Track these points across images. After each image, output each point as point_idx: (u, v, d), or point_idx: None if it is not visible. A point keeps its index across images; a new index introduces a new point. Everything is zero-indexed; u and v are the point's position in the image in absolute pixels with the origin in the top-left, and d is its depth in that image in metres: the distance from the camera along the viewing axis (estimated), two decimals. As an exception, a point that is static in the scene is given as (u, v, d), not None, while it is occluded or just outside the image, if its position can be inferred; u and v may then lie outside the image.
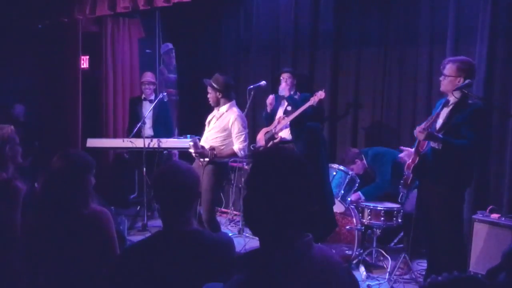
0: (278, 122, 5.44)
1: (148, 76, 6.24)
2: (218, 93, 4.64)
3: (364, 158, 5.13)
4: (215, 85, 4.63)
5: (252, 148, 6.13)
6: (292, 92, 5.56)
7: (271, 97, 5.61)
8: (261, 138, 5.65)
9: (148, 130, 6.14)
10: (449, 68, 3.68)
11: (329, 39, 5.98)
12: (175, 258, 2.01)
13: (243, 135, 4.58)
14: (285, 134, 5.45)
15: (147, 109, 6.04)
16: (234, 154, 4.60)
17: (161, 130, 6.13)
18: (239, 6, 6.76)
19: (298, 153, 1.56)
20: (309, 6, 6.08)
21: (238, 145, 4.55)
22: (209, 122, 4.76)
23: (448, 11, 5.01)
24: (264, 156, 1.54)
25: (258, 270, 1.41)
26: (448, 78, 3.68)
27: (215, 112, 4.75)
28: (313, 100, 5.15)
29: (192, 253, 2.03)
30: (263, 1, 6.50)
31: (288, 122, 5.33)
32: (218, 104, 4.69)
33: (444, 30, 5.07)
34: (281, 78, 5.62)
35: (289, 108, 5.45)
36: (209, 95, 4.70)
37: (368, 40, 5.73)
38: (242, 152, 4.57)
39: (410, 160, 3.81)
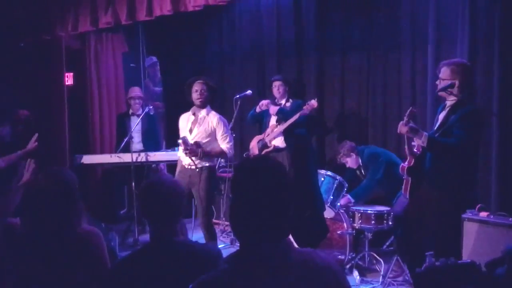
0: (272, 131, 5.45)
1: (136, 91, 6.22)
2: (210, 95, 4.65)
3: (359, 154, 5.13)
4: (210, 83, 4.66)
5: (245, 156, 6.14)
6: (284, 99, 5.58)
7: (265, 102, 5.61)
8: (254, 146, 5.66)
9: (137, 145, 6.12)
10: (444, 71, 3.67)
11: (313, 46, 6.04)
12: (163, 270, 2.03)
13: (229, 136, 4.64)
14: (278, 142, 5.46)
15: (135, 124, 6.02)
16: (223, 153, 4.63)
17: (150, 144, 6.11)
18: (221, 16, 6.79)
19: (279, 163, 1.62)
20: (292, 14, 6.14)
21: (225, 145, 4.59)
22: (190, 130, 4.69)
23: (428, 15, 5.07)
24: (245, 165, 1.63)
25: (239, 263, 1.50)
26: (444, 82, 3.66)
27: (189, 117, 4.71)
28: (306, 109, 5.18)
29: (180, 263, 2.05)
30: (245, 11, 6.54)
31: (281, 131, 5.35)
32: (205, 106, 4.67)
33: (425, 33, 5.14)
34: (273, 86, 5.64)
35: (281, 116, 5.48)
36: (200, 95, 4.61)
37: (351, 45, 5.80)
38: (230, 151, 4.63)
39: (406, 163, 3.82)
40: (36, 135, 4.87)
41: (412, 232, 3.87)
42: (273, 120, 5.60)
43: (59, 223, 2.39)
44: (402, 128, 3.62)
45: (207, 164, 4.59)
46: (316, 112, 5.84)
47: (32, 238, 2.41)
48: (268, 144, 5.47)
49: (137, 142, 6.15)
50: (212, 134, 4.61)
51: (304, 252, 1.54)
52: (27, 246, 2.40)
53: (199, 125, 4.65)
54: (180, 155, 4.70)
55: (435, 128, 3.75)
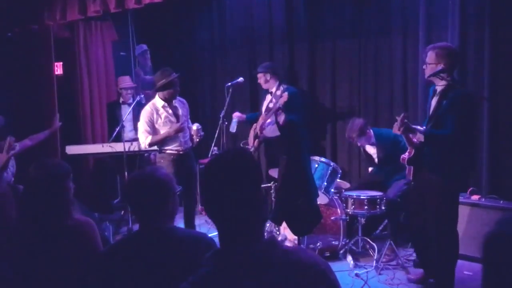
0: (261, 119, 5.45)
1: (128, 81, 6.18)
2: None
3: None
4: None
5: (242, 145, 6.13)
6: (274, 87, 5.57)
7: (235, 116, 5.80)
8: (251, 136, 5.68)
9: (129, 133, 6.09)
10: (429, 56, 3.69)
11: (304, 32, 6.02)
12: (151, 256, 2.04)
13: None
14: (271, 131, 5.44)
15: (125, 112, 5.98)
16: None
17: None
18: (212, 3, 6.74)
19: (247, 159, 1.55)
20: (282, 0, 6.09)
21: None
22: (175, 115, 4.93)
23: (419, 0, 5.07)
24: (215, 161, 1.57)
25: (220, 265, 1.45)
26: (430, 66, 3.68)
27: (165, 108, 4.91)
28: (279, 103, 5.19)
29: (168, 250, 2.05)
30: (236, -2, 6.49)
31: (272, 119, 5.34)
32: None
33: (416, 19, 5.15)
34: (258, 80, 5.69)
35: (270, 105, 5.47)
36: (177, 89, 4.91)
37: (342, 31, 5.80)
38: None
39: (406, 153, 3.84)
40: (57, 115, 5.23)
41: (415, 214, 3.92)
42: (264, 109, 5.61)
43: (50, 214, 2.39)
44: (396, 130, 3.65)
45: (190, 146, 5.07)
46: (308, 97, 5.86)
47: (25, 230, 2.42)
48: (258, 134, 5.47)
49: (129, 130, 6.12)
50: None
51: (290, 250, 1.49)
52: (21, 237, 2.41)
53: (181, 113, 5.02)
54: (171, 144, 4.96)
55: (429, 115, 3.77)
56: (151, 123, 4.81)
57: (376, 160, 5.13)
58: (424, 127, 3.69)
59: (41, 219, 2.39)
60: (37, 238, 2.37)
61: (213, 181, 1.50)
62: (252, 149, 5.59)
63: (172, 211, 2.20)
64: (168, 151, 4.87)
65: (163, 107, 4.83)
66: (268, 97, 5.63)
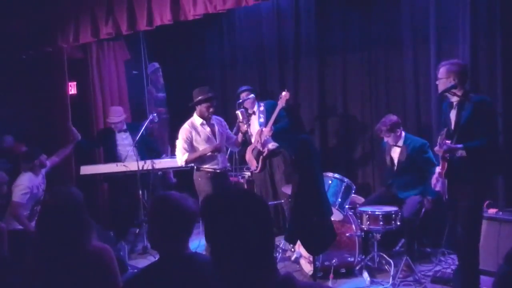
0: (259, 136, 5.45)
1: (115, 115, 6.09)
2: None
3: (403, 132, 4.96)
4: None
5: (245, 170, 6.11)
6: (256, 106, 5.71)
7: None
8: (250, 158, 5.63)
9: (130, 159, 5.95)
10: (441, 71, 3.82)
11: (313, 47, 6.04)
12: (175, 284, 2.04)
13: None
14: (271, 144, 5.48)
15: (122, 139, 6.00)
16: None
17: (145, 155, 6.02)
18: (221, 20, 6.79)
19: (244, 191, 1.56)
20: (291, 16, 6.14)
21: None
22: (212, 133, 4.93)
23: (429, 13, 5.07)
24: (210, 207, 1.51)
25: None
26: (441, 80, 3.81)
27: (204, 127, 4.89)
28: (281, 103, 5.23)
29: (190, 277, 2.05)
30: (246, 14, 6.54)
31: (270, 134, 5.37)
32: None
33: (426, 31, 5.14)
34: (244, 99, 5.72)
35: (261, 119, 5.52)
36: (213, 108, 4.89)
37: (352, 45, 5.79)
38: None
39: (440, 168, 3.83)
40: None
41: (453, 226, 3.99)
42: (255, 126, 5.63)
43: (69, 241, 2.39)
44: (438, 151, 3.74)
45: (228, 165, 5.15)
46: (318, 112, 5.88)
47: (43, 257, 2.42)
48: (262, 150, 5.46)
49: (130, 156, 5.92)
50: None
51: (308, 285, 1.51)
52: (40, 264, 2.41)
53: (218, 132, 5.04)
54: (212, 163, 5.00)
55: (452, 129, 3.78)
56: (189, 140, 4.83)
57: (395, 165, 4.98)
58: (449, 142, 3.69)
59: (58, 246, 2.39)
60: (55, 265, 2.37)
61: (213, 226, 1.47)
62: (257, 170, 5.55)
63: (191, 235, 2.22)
64: (206, 169, 4.87)
65: (201, 124, 4.86)
66: (253, 118, 5.72)
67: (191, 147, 4.82)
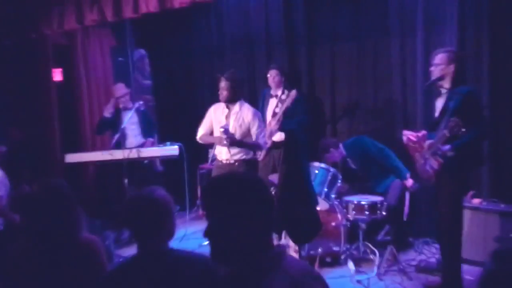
0: (269, 126, 5.41)
1: (120, 89, 6.06)
2: (236, 89, 4.63)
3: (341, 147, 5.12)
4: (234, 81, 4.62)
5: None
6: (280, 91, 5.55)
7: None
8: None
9: (134, 139, 6.03)
10: (440, 57, 3.79)
11: (302, 35, 6.01)
12: (152, 280, 2.03)
13: (263, 130, 4.74)
14: (277, 137, 5.43)
15: (128, 118, 5.94)
16: (258, 145, 4.69)
17: (150, 134, 6.01)
18: (209, 7, 6.72)
19: (247, 175, 1.62)
20: (280, 5, 6.10)
21: (261, 139, 4.68)
22: (225, 117, 4.70)
23: (417, 2, 5.06)
24: (213, 187, 1.58)
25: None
26: (439, 67, 3.78)
27: (223, 109, 4.71)
28: (288, 102, 5.17)
29: (167, 272, 2.05)
30: (234, 2, 6.48)
31: (276, 128, 5.34)
32: (234, 100, 4.66)
33: (414, 20, 5.14)
34: (268, 75, 5.60)
35: (277, 109, 5.45)
36: (221, 92, 4.63)
37: (340, 34, 5.78)
38: (265, 145, 4.80)
39: (437, 165, 3.77)
40: None
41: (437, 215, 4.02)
42: (269, 112, 5.58)
43: (60, 232, 2.37)
44: (435, 163, 3.75)
45: (243, 158, 4.66)
46: (306, 102, 5.86)
47: (33, 248, 2.39)
48: (267, 140, 5.44)
49: (134, 135, 6.00)
50: (246, 128, 4.63)
51: (296, 261, 1.59)
52: (28, 256, 2.38)
53: (232, 119, 4.66)
54: (217, 151, 4.77)
55: (436, 117, 3.81)
56: (209, 118, 4.81)
57: (358, 172, 5.15)
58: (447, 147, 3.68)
59: (47, 238, 2.36)
60: (43, 258, 2.35)
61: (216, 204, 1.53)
62: (260, 158, 5.53)
63: (170, 231, 2.19)
64: (216, 157, 4.82)
65: (223, 107, 4.73)
66: (272, 101, 5.60)
67: (208, 126, 4.79)
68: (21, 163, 5.94)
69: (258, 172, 5.03)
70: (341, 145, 5.12)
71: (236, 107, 4.66)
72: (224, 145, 4.58)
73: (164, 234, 2.17)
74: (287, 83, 5.64)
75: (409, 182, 4.66)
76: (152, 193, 2.15)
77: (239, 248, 1.51)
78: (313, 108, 6.05)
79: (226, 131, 4.51)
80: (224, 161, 4.69)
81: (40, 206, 2.38)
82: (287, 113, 5.31)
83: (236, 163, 4.64)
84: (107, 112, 5.88)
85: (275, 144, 5.43)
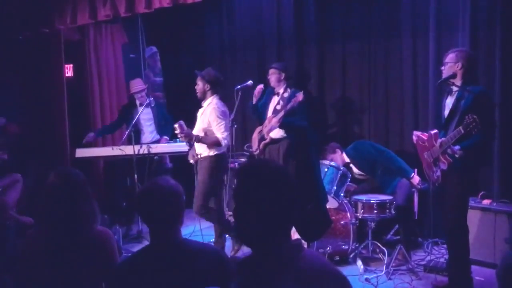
0: (269, 122, 5.44)
1: (137, 84, 6.08)
2: (206, 85, 4.78)
3: (344, 155, 5.13)
4: (205, 76, 4.76)
5: (246, 148, 6.16)
6: (282, 89, 5.54)
7: (258, 88, 5.58)
8: (255, 138, 5.70)
9: (149, 135, 6.08)
10: (450, 56, 3.84)
11: (313, 34, 6.01)
12: (166, 270, 2.05)
13: (223, 125, 4.70)
14: (275, 133, 5.46)
15: (143, 114, 5.97)
16: (217, 142, 4.71)
17: (167, 130, 6.00)
18: (221, 5, 6.74)
19: (279, 167, 1.63)
20: (291, 3, 6.09)
21: (219, 134, 4.69)
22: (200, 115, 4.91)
23: (429, 1, 5.04)
24: (248, 169, 1.64)
25: (249, 277, 1.55)
26: (448, 65, 3.83)
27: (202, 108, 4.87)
28: (293, 102, 5.18)
29: (181, 263, 2.06)
30: (245, 0, 6.48)
31: (277, 125, 5.35)
32: (204, 97, 4.83)
33: (426, 21, 5.12)
34: (269, 74, 5.62)
35: (278, 107, 5.46)
36: (197, 87, 4.82)
37: (352, 33, 5.77)
38: (224, 140, 4.71)
39: (445, 165, 3.77)
40: None
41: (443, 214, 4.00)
42: (270, 109, 5.60)
43: (76, 222, 2.37)
44: (443, 165, 3.78)
45: (205, 154, 4.77)
46: (311, 99, 5.87)
47: (47, 238, 2.39)
48: (265, 136, 5.48)
49: (149, 131, 6.08)
50: (207, 124, 4.76)
51: (313, 254, 1.59)
52: (41, 245, 2.39)
53: (201, 114, 4.84)
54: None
55: (446, 116, 3.82)
56: None
57: (363, 177, 5.17)
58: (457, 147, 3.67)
59: (63, 227, 2.36)
60: (57, 247, 2.35)
61: (244, 188, 1.58)
62: (257, 152, 5.60)
63: (182, 222, 2.20)
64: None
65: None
66: (274, 99, 5.62)
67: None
68: (19, 158, 6.00)
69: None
70: (343, 153, 5.12)
71: (205, 104, 4.82)
72: (182, 140, 4.80)
73: (178, 224, 2.17)
74: (289, 81, 5.65)
75: (416, 179, 4.65)
76: (166, 183, 2.16)
77: (260, 232, 1.54)
78: (322, 107, 6.06)
79: (180, 126, 4.66)
80: (196, 157, 4.86)
81: (58, 193, 2.38)
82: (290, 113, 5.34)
83: (202, 159, 4.77)
84: None
85: (273, 140, 5.49)
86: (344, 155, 5.11)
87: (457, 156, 3.65)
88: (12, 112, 6.44)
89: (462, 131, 3.49)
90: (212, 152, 4.76)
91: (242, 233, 1.60)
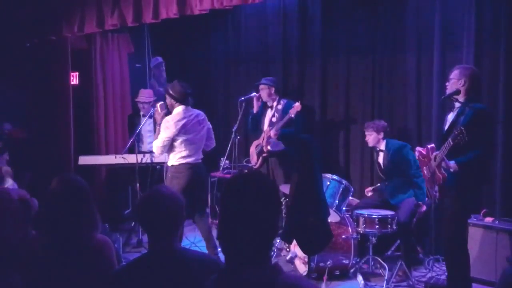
0: (266, 135, 5.46)
1: (145, 95, 6.15)
2: (173, 100, 4.79)
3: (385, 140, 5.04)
4: (171, 92, 4.77)
5: (245, 163, 6.15)
6: (275, 102, 5.62)
7: (257, 95, 5.68)
8: (253, 152, 5.70)
9: (148, 145, 6.10)
10: (454, 73, 3.89)
11: (318, 48, 6.03)
12: (162, 279, 2.04)
13: (159, 136, 4.71)
14: (274, 145, 5.47)
15: (146, 124, 6.01)
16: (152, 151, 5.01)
17: None
18: (227, 18, 6.80)
19: (267, 182, 1.62)
20: (297, 16, 6.15)
21: (152, 144, 4.85)
22: None
23: (434, 18, 5.07)
24: (234, 182, 1.62)
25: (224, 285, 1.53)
26: (452, 81, 3.87)
27: None
28: (291, 113, 5.22)
29: (178, 272, 2.05)
30: (251, 13, 6.55)
31: (275, 137, 5.37)
32: (172, 110, 4.83)
33: (430, 36, 5.14)
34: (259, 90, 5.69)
35: (274, 119, 5.50)
36: (167, 101, 4.84)
37: (356, 48, 5.79)
38: (152, 149, 4.87)
39: (441, 180, 3.80)
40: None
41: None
42: (266, 122, 5.64)
43: (76, 229, 2.36)
44: (439, 178, 3.78)
45: (168, 163, 4.89)
46: (313, 112, 5.90)
47: (47, 243, 2.38)
48: (264, 149, 5.49)
49: (148, 142, 6.12)
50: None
51: (291, 277, 1.52)
52: (40, 251, 2.38)
53: None
54: None
55: (446, 129, 3.85)
56: None
57: (383, 170, 5.07)
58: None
59: (64, 234, 2.35)
60: (58, 253, 2.34)
61: (230, 201, 1.56)
62: (256, 166, 5.60)
63: (180, 231, 2.20)
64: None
65: None
66: (268, 112, 5.68)
67: None
68: (22, 163, 6.01)
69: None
70: (384, 140, 5.03)
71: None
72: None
73: (177, 233, 2.17)
74: (280, 94, 5.73)
75: (423, 207, 4.70)
76: (168, 190, 2.17)
77: (243, 248, 1.52)
78: (325, 121, 6.07)
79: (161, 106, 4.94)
80: None
81: (60, 199, 2.38)
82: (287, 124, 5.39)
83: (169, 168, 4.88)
84: None
85: (272, 153, 5.52)
86: (384, 142, 5.01)
87: (452, 170, 3.68)
88: (17, 118, 6.47)
89: (451, 143, 3.52)
90: (169, 162, 4.84)
91: (222, 245, 1.59)
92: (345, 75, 5.92)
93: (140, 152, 5.81)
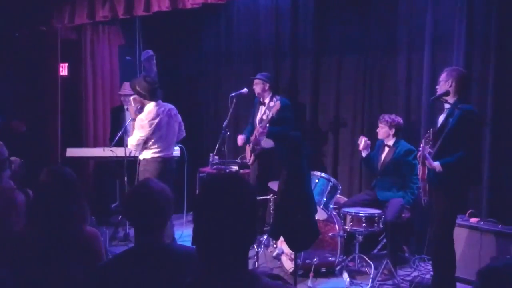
0: (257, 132, 5.49)
1: (127, 88, 6.12)
2: (142, 98, 4.75)
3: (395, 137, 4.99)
4: (139, 90, 4.71)
5: (239, 161, 6.15)
6: (268, 98, 5.63)
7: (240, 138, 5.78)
8: (248, 149, 5.72)
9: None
10: (443, 75, 3.95)
11: (310, 47, 6.03)
12: (149, 273, 2.02)
13: (134, 134, 4.75)
14: (266, 142, 5.48)
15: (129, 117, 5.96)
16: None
17: None
18: (220, 13, 6.77)
19: (244, 182, 1.56)
20: (290, 14, 6.14)
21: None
22: None
23: (426, 20, 5.09)
24: (209, 185, 1.55)
25: None
26: (441, 83, 3.93)
27: None
28: (271, 113, 5.23)
29: (165, 267, 2.04)
30: (244, 9, 6.53)
31: (263, 135, 5.40)
32: (143, 107, 4.79)
33: (421, 38, 5.16)
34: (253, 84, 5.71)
35: (264, 116, 5.51)
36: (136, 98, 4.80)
37: (348, 47, 5.79)
38: (129, 146, 4.90)
39: (421, 173, 3.89)
40: None
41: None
42: (259, 116, 5.65)
43: (65, 221, 2.35)
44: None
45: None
46: (310, 112, 5.90)
47: (35, 235, 2.37)
48: (255, 146, 5.51)
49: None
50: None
51: (271, 285, 1.48)
52: (29, 242, 2.37)
53: None
54: None
55: (437, 131, 3.89)
56: None
57: (380, 165, 5.04)
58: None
59: (53, 226, 2.34)
60: (47, 245, 2.33)
61: (204, 205, 1.49)
62: (250, 163, 5.63)
63: (167, 226, 2.19)
64: None
65: None
66: (261, 108, 5.69)
67: None
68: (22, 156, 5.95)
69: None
70: (394, 137, 4.97)
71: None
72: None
73: (164, 227, 2.16)
74: (274, 91, 5.76)
75: (407, 214, 4.78)
76: (157, 184, 2.15)
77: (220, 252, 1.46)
78: (315, 119, 6.08)
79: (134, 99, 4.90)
80: None
81: (49, 191, 2.37)
82: (272, 122, 5.40)
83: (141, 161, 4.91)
84: None
85: (263, 150, 5.54)
86: (393, 139, 4.96)
87: (436, 170, 3.74)
88: (5, 107, 6.40)
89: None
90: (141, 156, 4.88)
91: (200, 250, 1.51)
92: (336, 73, 5.93)
93: (124, 145, 5.76)
